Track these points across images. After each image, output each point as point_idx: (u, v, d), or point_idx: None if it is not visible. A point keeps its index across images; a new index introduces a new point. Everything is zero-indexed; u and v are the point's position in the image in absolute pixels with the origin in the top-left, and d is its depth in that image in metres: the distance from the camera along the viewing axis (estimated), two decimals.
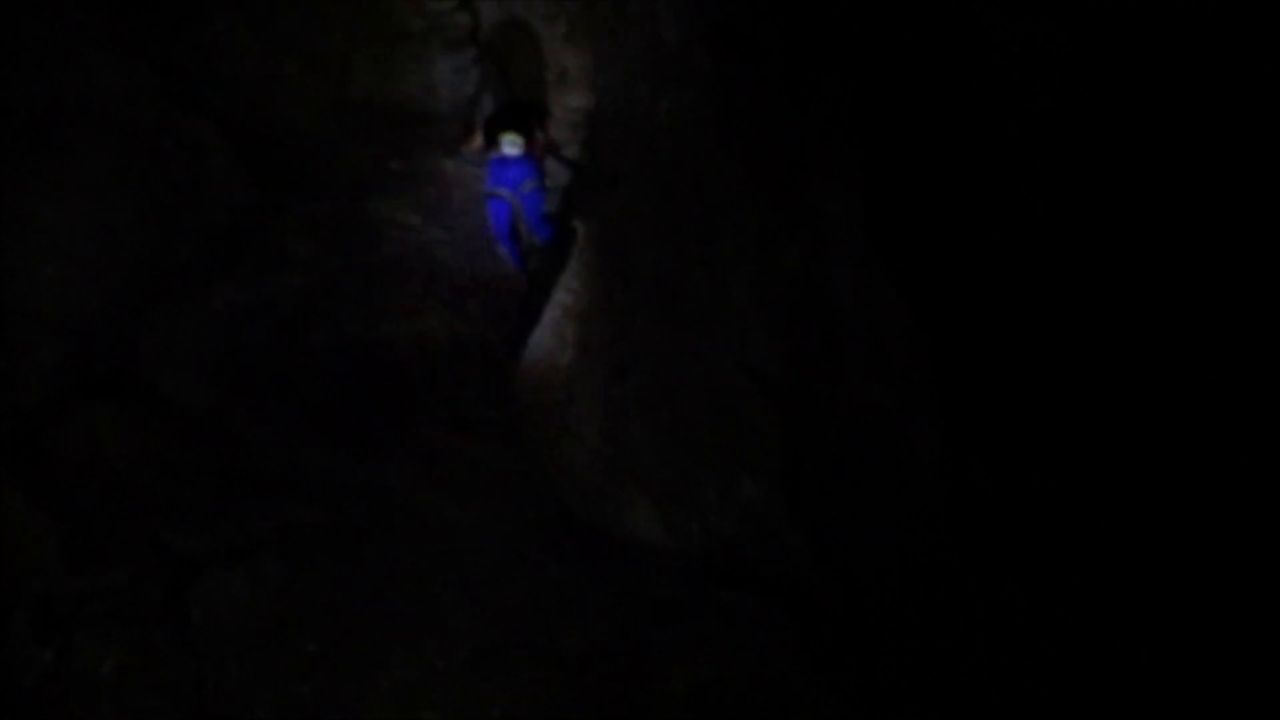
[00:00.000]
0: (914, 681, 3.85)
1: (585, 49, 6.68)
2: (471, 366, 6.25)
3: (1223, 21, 3.23)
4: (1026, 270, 3.95)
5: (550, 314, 5.76)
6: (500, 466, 5.51)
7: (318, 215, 6.42)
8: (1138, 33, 3.51)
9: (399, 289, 6.46)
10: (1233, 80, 3.26)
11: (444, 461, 5.45)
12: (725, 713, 3.82)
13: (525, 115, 6.93)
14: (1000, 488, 3.91)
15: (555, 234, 6.75)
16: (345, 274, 6.36)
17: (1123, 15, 3.52)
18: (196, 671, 4.14)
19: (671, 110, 5.01)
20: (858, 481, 4.24)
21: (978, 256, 4.02)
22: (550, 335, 5.69)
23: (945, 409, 4.01)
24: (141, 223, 5.67)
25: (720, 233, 4.59)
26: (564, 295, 5.71)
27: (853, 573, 4.22)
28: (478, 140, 6.91)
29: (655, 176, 5.10)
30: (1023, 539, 3.83)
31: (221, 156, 6.12)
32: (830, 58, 4.31)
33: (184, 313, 5.71)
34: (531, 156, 6.77)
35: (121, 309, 5.48)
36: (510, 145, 6.61)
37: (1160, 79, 3.45)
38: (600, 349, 5.28)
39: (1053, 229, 3.88)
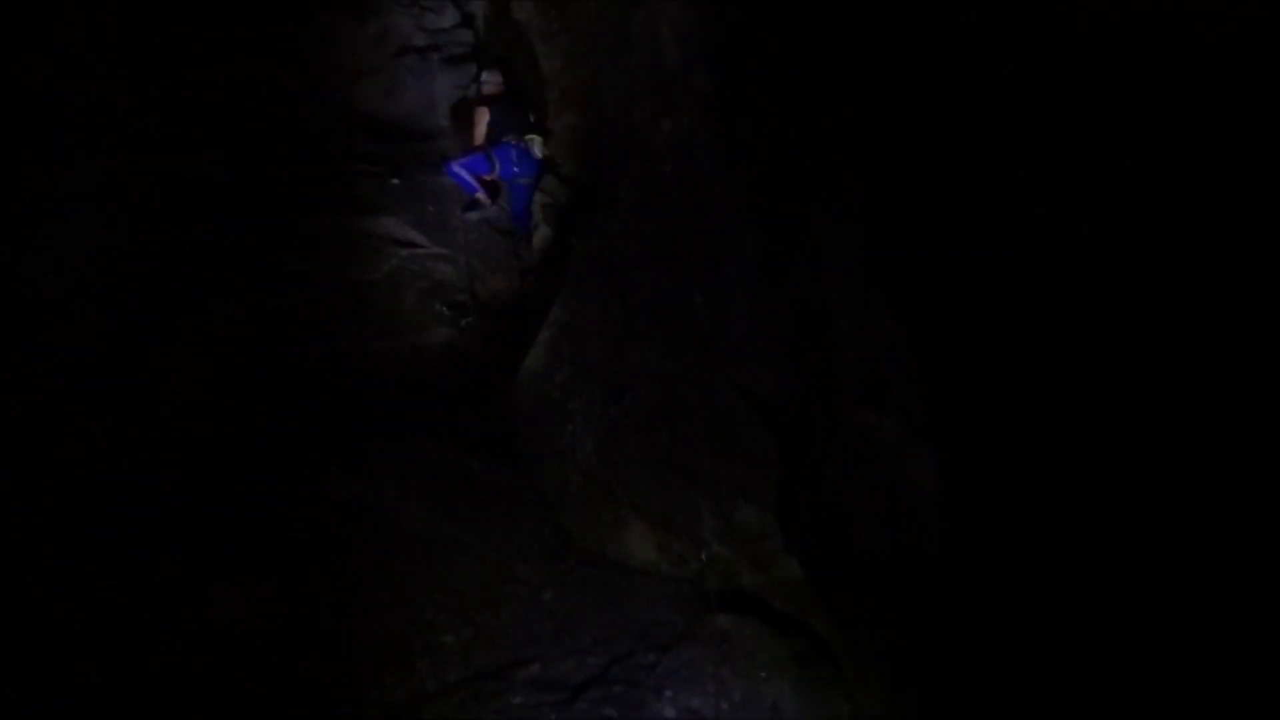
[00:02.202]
0: (910, 708, 3.85)
1: (586, 67, 6.71)
2: (467, 383, 6.23)
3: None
4: (1025, 299, 3.96)
5: (546, 331, 5.75)
6: (495, 485, 5.48)
7: (318, 231, 6.44)
8: (1141, 64, 3.53)
9: (396, 306, 6.47)
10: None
11: (438, 479, 5.43)
12: None
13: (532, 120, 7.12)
14: (998, 513, 3.92)
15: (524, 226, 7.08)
16: (343, 290, 6.36)
17: (1123, 46, 3.55)
18: (186, 687, 4.12)
19: (672, 132, 5.01)
20: (854, 507, 4.24)
21: (976, 285, 4.03)
22: (546, 352, 5.67)
23: (943, 437, 4.02)
24: (142, 236, 5.67)
25: (720, 257, 4.59)
26: (560, 313, 5.70)
27: (849, 598, 4.22)
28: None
29: (655, 198, 5.11)
30: (1020, 565, 3.83)
31: (223, 171, 6.15)
32: (832, 84, 4.34)
33: (181, 326, 5.70)
34: (540, 157, 7.02)
35: (119, 322, 5.46)
36: (537, 148, 7.01)
37: (1162, 114, 3.48)
38: (596, 368, 5.27)
39: (1052, 259, 3.90)
